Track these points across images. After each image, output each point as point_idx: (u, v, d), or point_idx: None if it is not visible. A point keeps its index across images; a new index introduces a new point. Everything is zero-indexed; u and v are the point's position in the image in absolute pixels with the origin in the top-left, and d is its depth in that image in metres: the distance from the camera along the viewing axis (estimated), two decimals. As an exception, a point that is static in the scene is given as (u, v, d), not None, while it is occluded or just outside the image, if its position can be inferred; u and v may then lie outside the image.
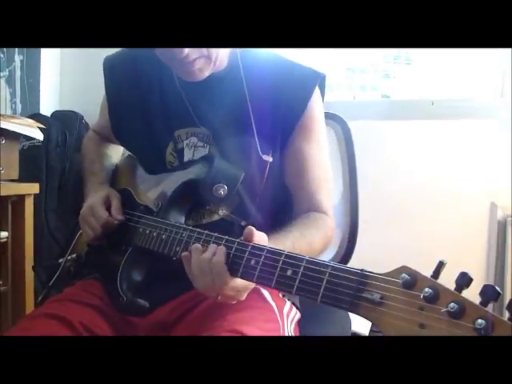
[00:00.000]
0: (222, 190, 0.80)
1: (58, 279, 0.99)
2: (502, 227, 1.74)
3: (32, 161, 1.98)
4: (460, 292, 0.44)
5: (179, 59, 0.81)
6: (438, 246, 1.76)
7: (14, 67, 2.06)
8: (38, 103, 2.21)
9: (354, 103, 2.02)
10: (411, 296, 0.46)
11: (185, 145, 0.92)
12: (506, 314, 0.41)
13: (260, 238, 0.67)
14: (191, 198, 0.86)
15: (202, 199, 0.86)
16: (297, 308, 0.90)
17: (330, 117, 1.15)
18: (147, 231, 0.83)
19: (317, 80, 0.90)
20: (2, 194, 1.44)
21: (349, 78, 2.05)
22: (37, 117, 2.13)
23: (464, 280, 0.44)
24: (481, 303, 0.42)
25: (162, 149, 0.94)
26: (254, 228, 0.66)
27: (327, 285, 0.52)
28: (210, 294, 0.69)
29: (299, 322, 0.89)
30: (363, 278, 0.50)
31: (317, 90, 0.91)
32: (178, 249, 0.75)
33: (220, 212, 0.88)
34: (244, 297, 0.71)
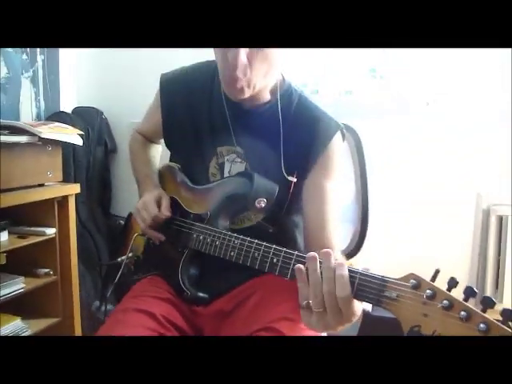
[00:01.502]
0: (263, 203, 0.97)
1: (121, 276, 1.14)
2: (486, 215, 1.96)
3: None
4: (450, 291, 0.66)
5: (230, 72, 0.93)
6: (429, 232, 2.00)
7: (37, 67, 2.20)
8: (58, 100, 2.36)
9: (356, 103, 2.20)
10: (417, 295, 0.67)
11: (225, 160, 1.07)
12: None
13: None
14: (235, 208, 1.02)
15: (244, 209, 1.02)
16: None
17: (345, 128, 1.31)
18: (201, 237, 0.99)
19: (337, 129, 1.05)
20: (51, 196, 1.64)
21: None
22: (60, 115, 2.30)
23: (452, 283, 0.66)
24: (464, 299, 0.64)
25: (206, 161, 1.09)
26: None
27: (358, 286, 0.72)
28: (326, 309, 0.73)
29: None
30: (384, 282, 0.70)
31: (338, 137, 1.05)
32: (232, 253, 0.91)
33: (253, 219, 1.06)
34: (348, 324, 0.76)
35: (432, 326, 0.65)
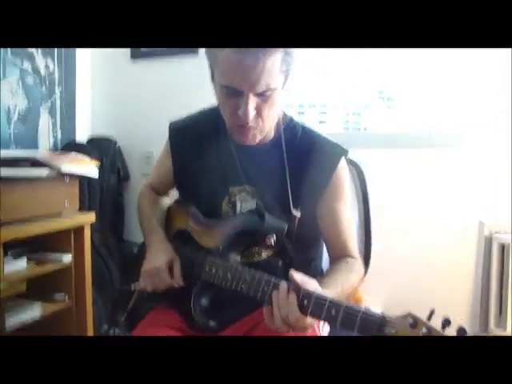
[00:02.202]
0: (273, 240, 1.04)
1: (135, 302, 1.20)
2: (489, 242, 2.02)
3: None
4: (443, 330, 0.71)
5: (241, 125, 1.01)
6: (433, 258, 2.03)
7: (55, 98, 2.30)
8: (74, 130, 2.45)
9: (362, 134, 2.29)
10: (414, 333, 0.73)
11: (237, 199, 1.13)
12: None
13: (305, 280, 0.88)
14: (246, 243, 1.08)
15: (255, 244, 1.09)
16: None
17: (348, 162, 1.32)
18: (213, 270, 1.03)
19: (342, 154, 1.12)
20: (67, 225, 1.72)
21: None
22: (76, 144, 2.40)
23: (446, 323, 0.72)
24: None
25: (219, 201, 1.14)
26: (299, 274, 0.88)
27: (360, 323, 0.78)
28: (285, 327, 0.87)
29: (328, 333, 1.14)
30: (384, 320, 0.76)
31: (343, 162, 1.12)
32: (243, 286, 0.97)
33: (263, 254, 1.11)
34: (307, 331, 0.90)
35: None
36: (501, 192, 1.95)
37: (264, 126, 1.04)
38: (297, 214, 1.08)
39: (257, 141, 1.07)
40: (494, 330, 1.95)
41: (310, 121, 2.22)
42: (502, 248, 1.98)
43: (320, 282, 0.93)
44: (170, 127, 1.24)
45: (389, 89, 2.23)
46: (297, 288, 0.87)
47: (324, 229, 1.13)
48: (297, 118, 1.18)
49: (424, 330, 0.71)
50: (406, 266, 2.05)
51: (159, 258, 1.11)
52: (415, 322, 0.73)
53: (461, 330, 0.70)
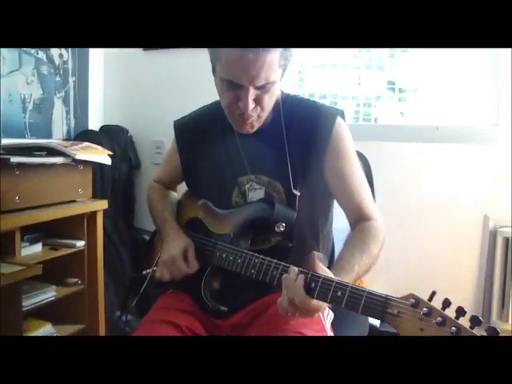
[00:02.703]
0: (282, 227, 1.07)
1: (146, 288, 1.22)
2: (493, 236, 2.04)
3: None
4: (444, 310, 0.75)
5: (239, 114, 1.06)
6: (438, 251, 2.07)
7: (69, 88, 2.35)
8: (87, 118, 2.50)
9: (370, 126, 2.32)
10: (415, 312, 0.76)
11: (246, 188, 1.15)
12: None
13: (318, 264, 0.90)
14: (256, 230, 1.11)
15: (264, 232, 1.11)
16: (331, 310, 1.15)
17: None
18: (224, 255, 1.07)
19: (336, 114, 1.12)
20: (81, 211, 1.76)
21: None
22: (89, 133, 2.44)
23: (446, 304, 0.75)
24: (455, 318, 0.73)
25: (229, 193, 1.17)
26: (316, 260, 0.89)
27: (364, 303, 0.81)
28: (291, 309, 0.88)
29: (332, 321, 1.16)
30: (387, 300, 0.80)
31: (340, 121, 1.12)
32: (252, 271, 1.00)
33: (273, 240, 1.13)
34: (314, 316, 0.91)
35: (427, 339, 0.74)
36: (506, 186, 1.98)
37: (262, 115, 1.08)
38: (297, 192, 1.10)
39: (255, 129, 1.11)
40: (496, 323, 1.98)
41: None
42: (507, 242, 2.00)
43: (333, 269, 0.95)
44: (174, 125, 1.28)
45: (400, 81, 2.25)
46: (305, 271, 0.89)
47: (335, 192, 1.13)
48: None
49: (425, 309, 0.75)
50: (410, 259, 2.08)
51: (175, 248, 1.14)
52: (417, 302, 0.76)
53: (459, 309, 0.73)
